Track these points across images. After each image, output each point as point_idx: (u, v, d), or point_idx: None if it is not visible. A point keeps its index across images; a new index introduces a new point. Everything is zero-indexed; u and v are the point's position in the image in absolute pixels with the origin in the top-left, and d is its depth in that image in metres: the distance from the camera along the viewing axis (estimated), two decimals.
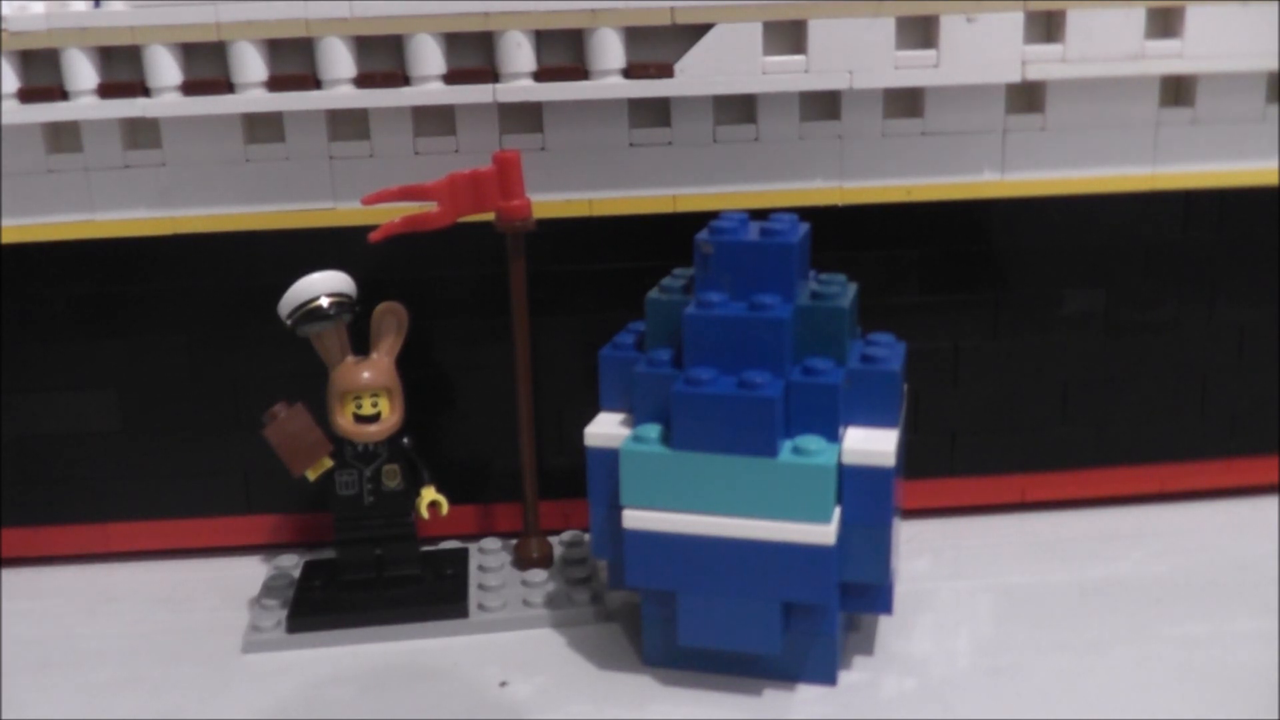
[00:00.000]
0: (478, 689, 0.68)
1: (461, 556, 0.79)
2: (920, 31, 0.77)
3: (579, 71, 0.76)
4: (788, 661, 0.66)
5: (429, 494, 0.74)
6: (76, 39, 0.74)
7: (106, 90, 0.75)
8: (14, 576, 0.82)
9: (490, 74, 0.76)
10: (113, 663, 0.71)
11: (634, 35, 0.76)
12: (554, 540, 0.81)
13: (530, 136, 0.78)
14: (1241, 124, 0.80)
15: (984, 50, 0.76)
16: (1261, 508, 0.85)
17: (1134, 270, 0.82)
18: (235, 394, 0.80)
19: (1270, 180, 0.81)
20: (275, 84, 0.75)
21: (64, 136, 0.78)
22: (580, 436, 0.68)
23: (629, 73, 0.76)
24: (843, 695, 0.66)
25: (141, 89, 0.75)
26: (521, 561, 0.78)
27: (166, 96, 0.75)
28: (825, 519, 0.62)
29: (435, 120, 0.78)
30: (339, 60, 0.75)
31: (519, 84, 0.75)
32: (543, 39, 0.75)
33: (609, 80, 0.75)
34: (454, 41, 0.76)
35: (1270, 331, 0.84)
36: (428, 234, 0.72)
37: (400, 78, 0.76)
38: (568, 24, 0.74)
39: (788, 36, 0.76)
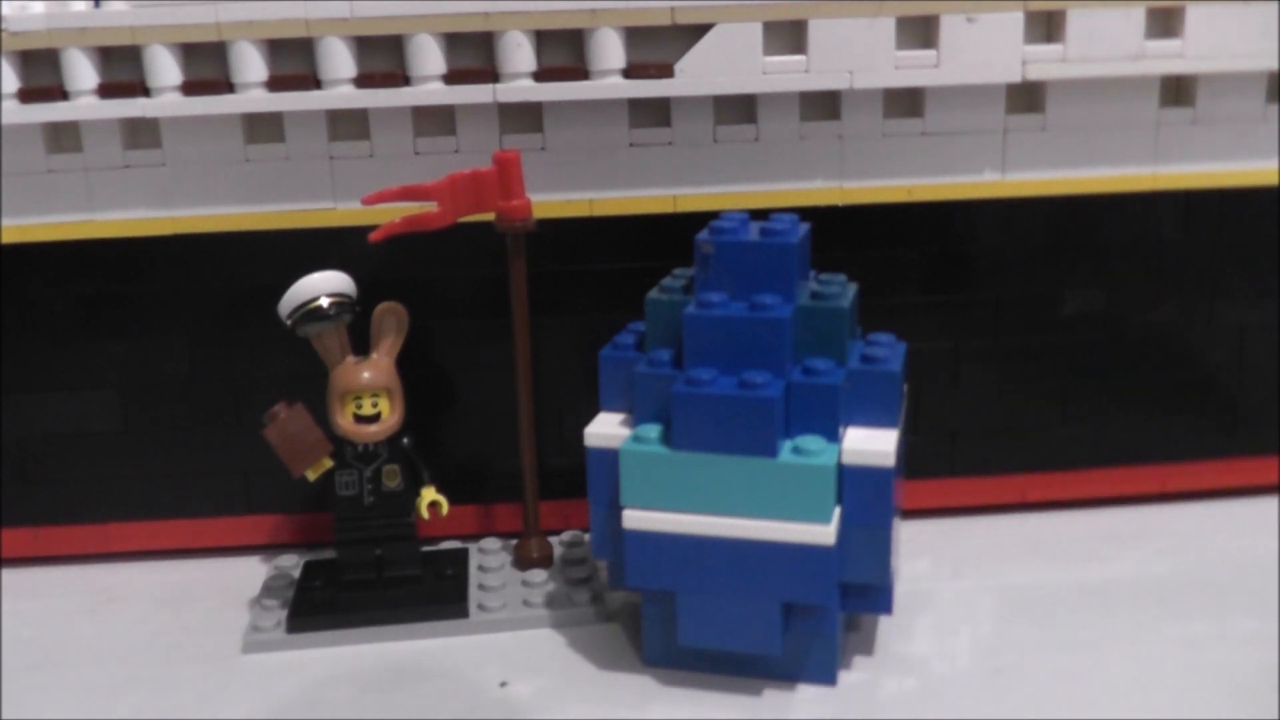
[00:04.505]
0: (478, 689, 0.68)
1: (461, 557, 0.79)
2: (920, 31, 0.77)
3: (579, 71, 0.76)
4: (788, 662, 0.66)
5: (429, 494, 0.74)
6: (76, 39, 0.74)
7: (106, 90, 0.75)
8: (14, 576, 0.82)
9: (490, 74, 0.76)
10: (113, 663, 0.71)
11: (634, 35, 0.76)
12: (554, 540, 0.81)
13: (530, 136, 0.78)
14: (1242, 124, 0.80)
15: (984, 50, 0.76)
16: (1262, 508, 0.85)
17: (1134, 270, 0.82)
18: (235, 394, 0.80)
19: (1271, 180, 0.81)
20: (275, 84, 0.75)
21: (64, 136, 0.78)
22: (580, 436, 0.68)
23: (629, 73, 0.76)
24: (843, 695, 0.66)
25: (141, 89, 0.75)
26: (521, 562, 0.78)
27: (166, 96, 0.75)
28: (825, 519, 0.62)
29: (435, 120, 0.78)
30: (339, 60, 0.75)
31: (519, 84, 0.75)
32: (543, 39, 0.75)
33: (609, 80, 0.75)
34: (454, 41, 0.76)
35: (1271, 332, 0.84)
36: (428, 234, 0.72)
37: (400, 78, 0.76)
38: (568, 24, 0.74)
39: (788, 36, 0.76)
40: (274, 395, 0.73)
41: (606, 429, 0.68)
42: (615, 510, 0.66)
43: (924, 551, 0.80)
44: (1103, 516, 0.85)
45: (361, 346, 0.74)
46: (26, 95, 0.75)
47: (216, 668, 0.71)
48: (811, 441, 0.63)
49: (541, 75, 0.75)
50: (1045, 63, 0.76)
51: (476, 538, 0.82)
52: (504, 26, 0.74)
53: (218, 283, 0.79)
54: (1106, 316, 0.83)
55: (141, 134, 0.78)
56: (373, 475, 0.74)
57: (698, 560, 0.64)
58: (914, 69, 0.76)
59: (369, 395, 0.73)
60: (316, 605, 0.74)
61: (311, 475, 0.73)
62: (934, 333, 0.81)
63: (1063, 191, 0.80)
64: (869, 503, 0.64)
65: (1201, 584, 0.76)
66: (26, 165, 0.77)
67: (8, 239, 0.78)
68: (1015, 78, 0.76)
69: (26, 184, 0.77)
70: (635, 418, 0.66)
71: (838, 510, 0.63)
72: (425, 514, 0.75)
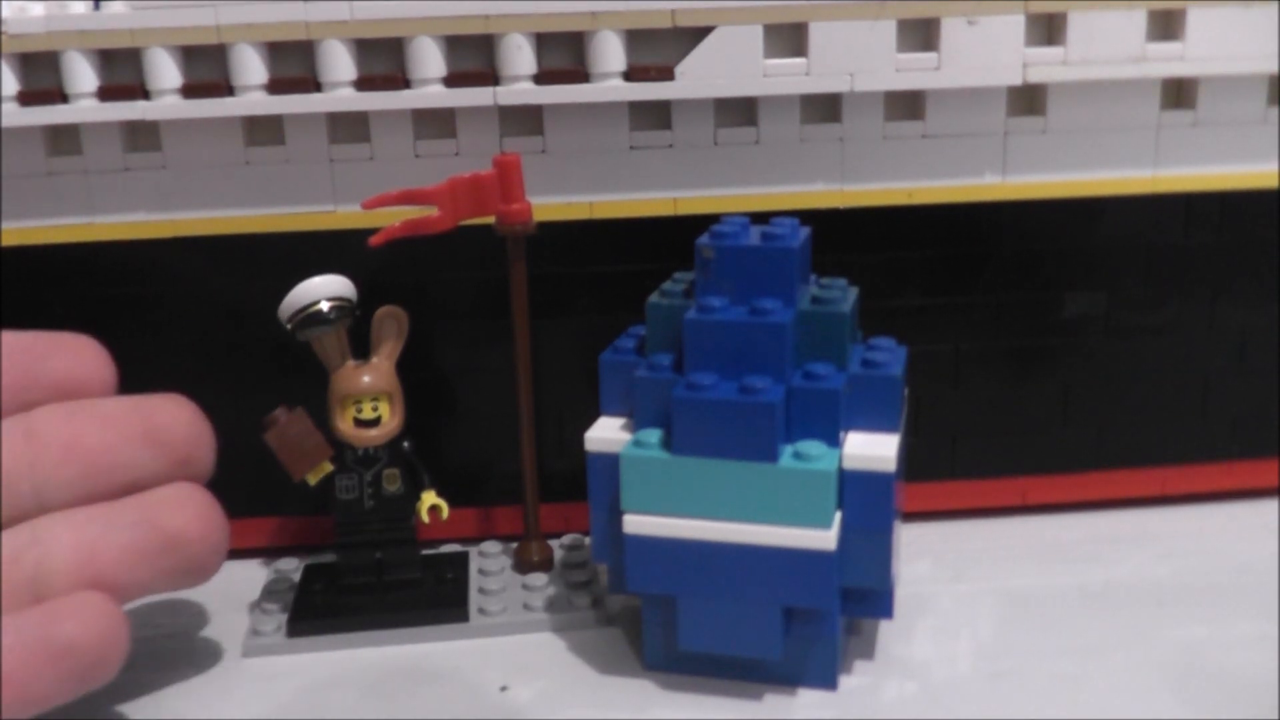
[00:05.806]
0: (478, 693, 0.68)
1: (462, 560, 0.79)
2: (921, 34, 0.77)
3: (579, 74, 0.75)
4: (788, 666, 0.66)
5: (429, 498, 0.74)
6: (76, 41, 0.73)
7: (106, 93, 0.75)
8: None
9: (491, 77, 0.75)
10: None
11: (634, 38, 0.75)
12: (554, 544, 0.81)
13: (531, 139, 0.78)
14: (1243, 126, 0.80)
15: (985, 53, 0.76)
16: (1262, 511, 0.85)
17: (1135, 273, 0.82)
18: (235, 397, 0.80)
19: (1271, 183, 0.81)
20: (275, 87, 0.75)
21: (64, 139, 0.78)
22: (581, 440, 0.68)
23: (630, 75, 0.75)
24: (843, 699, 0.66)
25: (141, 92, 0.75)
26: (522, 565, 0.78)
27: (166, 99, 0.75)
28: (826, 524, 0.62)
29: (436, 123, 0.78)
30: (339, 63, 0.75)
31: (519, 87, 0.75)
32: (543, 41, 0.75)
33: (610, 83, 0.75)
34: (454, 44, 0.76)
35: (1271, 334, 0.83)
36: (428, 237, 0.72)
37: (400, 80, 0.76)
38: (568, 26, 0.74)
39: (789, 39, 0.76)
40: (274, 399, 0.73)
41: (607, 433, 0.68)
42: (616, 514, 0.66)
43: (924, 554, 0.80)
44: (1103, 519, 0.85)
45: (362, 350, 0.74)
46: (26, 98, 0.75)
47: (216, 672, 0.71)
48: (812, 446, 0.63)
49: (542, 78, 0.75)
50: (1046, 65, 0.76)
51: (477, 541, 0.82)
52: (504, 29, 0.74)
53: (218, 286, 0.79)
54: (1107, 319, 0.82)
55: (141, 137, 0.77)
56: (373, 479, 0.74)
57: (698, 565, 0.64)
58: (915, 71, 0.76)
59: (369, 399, 0.73)
60: (317, 609, 0.74)
61: (312, 479, 0.73)
62: (935, 335, 0.81)
63: (1063, 194, 0.80)
64: (870, 507, 0.64)
65: (1202, 587, 0.76)
66: (26, 168, 0.77)
67: (8, 242, 0.78)
68: (1016, 80, 0.76)
69: (26, 187, 0.77)
70: (636, 422, 0.66)
71: (838, 515, 0.63)
72: (425, 517, 0.75)
